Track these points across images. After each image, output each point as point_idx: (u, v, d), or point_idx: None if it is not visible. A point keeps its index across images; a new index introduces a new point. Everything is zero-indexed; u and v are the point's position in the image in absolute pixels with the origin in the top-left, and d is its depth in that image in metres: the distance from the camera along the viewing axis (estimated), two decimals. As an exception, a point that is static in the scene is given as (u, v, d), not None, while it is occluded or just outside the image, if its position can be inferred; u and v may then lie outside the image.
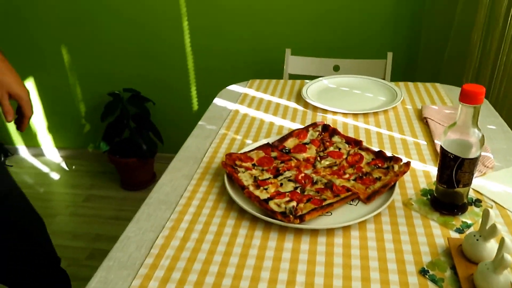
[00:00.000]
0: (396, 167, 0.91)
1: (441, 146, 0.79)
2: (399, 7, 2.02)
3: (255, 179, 0.92)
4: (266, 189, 0.89)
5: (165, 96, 2.45)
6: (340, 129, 1.13)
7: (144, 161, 2.41)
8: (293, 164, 0.98)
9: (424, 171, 0.96)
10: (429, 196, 0.86)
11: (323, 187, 0.89)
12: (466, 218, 0.80)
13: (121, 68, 2.42)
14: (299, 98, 1.35)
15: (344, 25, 2.09)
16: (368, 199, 0.85)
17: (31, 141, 2.78)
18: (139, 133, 2.36)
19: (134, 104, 2.34)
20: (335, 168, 0.96)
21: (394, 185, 0.88)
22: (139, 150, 2.34)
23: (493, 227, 0.65)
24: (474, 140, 0.75)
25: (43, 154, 2.81)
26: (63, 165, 2.74)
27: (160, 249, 0.77)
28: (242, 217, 0.84)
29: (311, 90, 1.37)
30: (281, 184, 0.91)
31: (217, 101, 1.37)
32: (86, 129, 2.66)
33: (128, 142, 2.36)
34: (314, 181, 0.92)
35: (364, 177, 0.92)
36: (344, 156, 1.00)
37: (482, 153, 0.96)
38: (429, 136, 1.10)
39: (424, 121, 1.16)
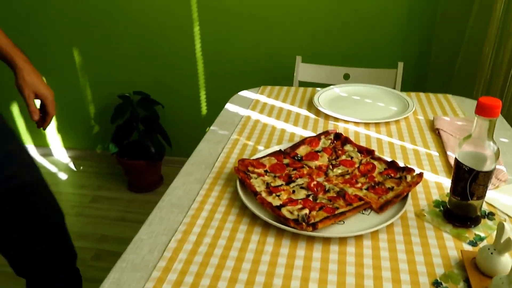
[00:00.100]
0: (408, 178, 0.91)
1: (455, 158, 0.79)
2: (411, 17, 2.02)
3: (268, 185, 0.92)
4: (278, 195, 0.89)
5: (174, 100, 2.46)
6: (351, 138, 1.13)
7: (152, 164, 2.42)
8: (305, 172, 0.98)
9: (436, 182, 0.96)
10: (441, 208, 0.86)
11: (335, 195, 0.90)
12: (479, 231, 0.80)
13: (131, 71, 2.43)
14: (311, 106, 1.35)
15: (355, 33, 2.10)
16: (380, 208, 0.85)
17: (40, 141, 2.80)
18: (147, 135, 2.37)
19: (144, 107, 2.35)
20: (347, 176, 0.96)
21: (406, 196, 0.88)
22: (148, 152, 2.35)
23: (508, 241, 0.65)
24: (489, 153, 0.75)
25: (52, 154, 2.83)
26: (71, 165, 2.75)
27: (173, 252, 0.78)
28: (254, 223, 0.85)
29: (323, 98, 1.38)
30: (294, 191, 0.91)
31: (229, 106, 1.38)
32: (95, 130, 2.68)
33: (137, 144, 2.38)
34: (327, 189, 0.92)
35: (376, 186, 0.92)
36: (356, 165, 1.00)
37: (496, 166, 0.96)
38: (441, 147, 1.10)
39: (436, 132, 1.16)
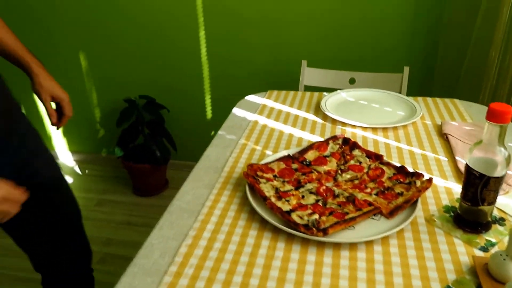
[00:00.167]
0: (418, 183, 0.91)
1: (466, 164, 0.79)
2: (416, 21, 2.03)
3: (277, 190, 0.93)
4: (288, 200, 0.89)
5: (180, 104, 2.47)
6: (359, 143, 1.13)
7: (157, 168, 2.43)
8: (314, 177, 0.98)
9: (445, 187, 0.96)
10: (451, 213, 0.86)
11: (345, 200, 0.90)
12: (490, 236, 0.80)
13: (137, 75, 2.44)
14: (318, 110, 1.36)
15: (361, 38, 2.10)
16: (390, 214, 0.85)
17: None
18: (153, 139, 2.38)
19: (149, 111, 2.36)
20: (356, 181, 0.96)
21: (416, 201, 0.88)
22: (153, 156, 2.35)
23: (521, 247, 0.65)
24: (500, 159, 0.75)
25: (57, 157, 2.84)
26: (76, 169, 2.76)
27: (184, 257, 0.78)
28: (264, 228, 0.85)
29: (330, 102, 1.38)
30: (303, 196, 0.91)
31: (236, 111, 1.38)
32: (100, 134, 2.69)
33: (142, 148, 2.38)
34: (336, 194, 0.92)
35: (386, 191, 0.92)
36: (365, 170, 1.00)
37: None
38: (450, 152, 1.10)
39: (444, 137, 1.16)
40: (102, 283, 1.44)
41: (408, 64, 1.77)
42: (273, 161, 1.03)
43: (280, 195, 0.91)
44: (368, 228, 0.83)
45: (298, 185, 0.95)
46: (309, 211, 0.86)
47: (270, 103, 1.43)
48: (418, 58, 2.09)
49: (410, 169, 0.97)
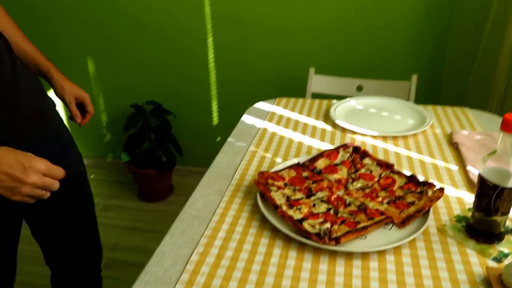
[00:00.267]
0: (429, 192, 0.91)
1: (479, 174, 0.79)
2: (424, 29, 2.03)
3: (288, 198, 0.92)
4: (299, 209, 0.89)
5: (186, 109, 2.48)
6: (369, 152, 1.13)
7: (163, 173, 2.43)
8: (325, 185, 0.98)
9: (457, 197, 0.96)
10: (463, 223, 0.86)
11: (356, 209, 0.90)
12: (503, 247, 0.80)
13: (144, 80, 2.45)
14: (327, 118, 1.36)
15: (369, 46, 2.11)
16: (402, 223, 0.84)
17: (52, 149, 2.82)
18: (159, 145, 2.38)
19: (156, 117, 2.37)
20: (367, 190, 0.96)
21: (428, 211, 0.87)
22: (159, 162, 2.36)
23: (537, 258, 0.65)
24: (514, 169, 0.75)
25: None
26: (82, 173, 2.77)
27: (195, 265, 0.78)
28: (275, 236, 0.85)
29: (339, 110, 1.38)
30: (314, 205, 0.91)
31: (245, 118, 1.38)
32: (106, 139, 2.70)
33: (148, 153, 2.39)
34: (347, 203, 0.92)
35: (397, 201, 0.91)
36: (376, 179, 1.00)
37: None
38: (460, 161, 1.09)
39: (454, 146, 1.16)
40: (108, 289, 1.44)
41: (416, 72, 1.77)
42: (283, 169, 1.03)
43: (291, 203, 0.91)
44: (380, 237, 0.83)
45: (309, 194, 0.95)
46: (321, 219, 0.86)
47: (279, 110, 1.44)
48: (425, 66, 2.09)
49: (421, 178, 0.97)
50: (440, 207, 0.92)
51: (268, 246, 0.82)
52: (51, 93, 1.15)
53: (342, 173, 1.02)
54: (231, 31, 2.22)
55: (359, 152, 1.09)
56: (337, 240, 0.79)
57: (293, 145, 1.20)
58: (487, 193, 0.77)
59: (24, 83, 0.96)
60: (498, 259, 0.77)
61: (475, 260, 0.77)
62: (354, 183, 0.99)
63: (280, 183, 0.98)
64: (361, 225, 0.84)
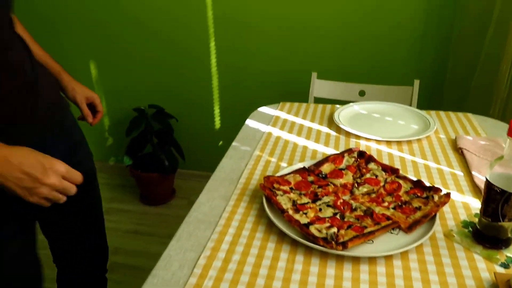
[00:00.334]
0: (436, 198, 0.91)
1: (487, 179, 0.79)
2: (426, 35, 2.04)
3: (294, 203, 0.93)
4: (305, 213, 0.89)
5: (188, 113, 2.48)
6: (374, 156, 1.13)
7: (165, 177, 2.43)
8: (330, 190, 0.98)
9: (463, 202, 0.96)
10: (470, 229, 0.86)
11: (362, 214, 0.90)
12: (510, 252, 0.80)
13: (147, 84, 2.46)
14: (331, 123, 1.36)
15: (371, 51, 2.11)
16: (409, 228, 0.84)
17: (53, 152, 2.82)
18: (161, 148, 2.38)
19: (158, 120, 2.37)
20: (373, 195, 0.96)
21: (434, 216, 0.87)
22: (161, 165, 2.36)
23: (545, 264, 0.65)
24: (522, 175, 0.75)
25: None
26: (84, 177, 2.76)
27: (203, 269, 0.78)
28: (282, 241, 0.85)
29: (343, 115, 1.38)
30: (320, 209, 0.91)
31: (249, 122, 1.39)
32: (108, 142, 2.70)
33: (150, 157, 2.39)
34: (353, 207, 0.92)
35: (403, 206, 0.92)
36: (382, 184, 1.00)
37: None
38: (465, 166, 1.09)
39: (459, 151, 1.16)
40: (109, 292, 1.44)
41: (418, 77, 1.77)
42: (289, 173, 1.03)
43: (297, 207, 0.91)
44: (386, 242, 0.83)
45: (315, 198, 0.95)
46: (327, 224, 0.86)
47: (283, 115, 1.44)
48: (428, 71, 2.10)
49: (427, 184, 0.97)
50: (446, 212, 0.92)
51: (275, 250, 0.82)
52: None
53: (347, 178, 1.02)
54: (233, 35, 2.23)
55: (364, 157, 1.09)
56: (344, 245, 0.79)
57: (298, 149, 1.20)
58: (494, 198, 0.78)
59: (43, 80, 0.99)
60: (506, 265, 0.77)
61: (483, 266, 0.78)
62: (360, 188, 0.99)
63: (286, 188, 0.98)
64: (368, 230, 0.84)
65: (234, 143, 1.25)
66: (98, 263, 1.32)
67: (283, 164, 1.13)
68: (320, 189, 0.98)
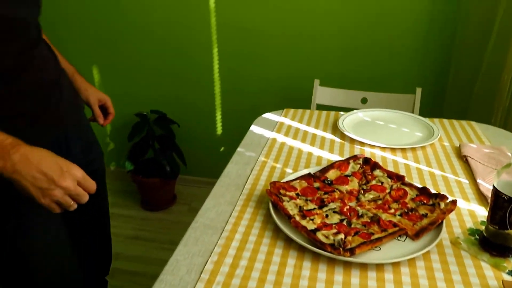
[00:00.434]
0: (442, 205, 0.91)
1: (494, 187, 0.79)
2: (428, 43, 2.05)
3: (300, 209, 0.93)
4: (312, 219, 0.89)
5: (190, 119, 2.48)
6: (379, 163, 1.14)
7: (167, 182, 2.43)
8: (336, 196, 0.98)
9: (469, 210, 0.96)
10: (477, 236, 0.86)
11: (369, 220, 0.90)
12: (517, 260, 0.80)
13: (149, 90, 2.47)
14: (335, 130, 1.36)
15: (374, 58, 2.13)
16: (416, 235, 0.85)
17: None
18: (163, 154, 2.38)
19: (160, 126, 2.37)
20: (379, 202, 0.96)
21: (441, 223, 0.88)
22: (162, 171, 2.36)
23: (554, 272, 0.65)
24: (529, 183, 0.76)
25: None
26: (84, 181, 2.76)
27: (210, 274, 0.78)
28: (289, 246, 0.85)
29: (347, 122, 1.39)
30: (327, 216, 0.91)
31: (254, 128, 1.39)
32: (110, 147, 2.70)
33: (152, 162, 2.39)
34: (360, 214, 0.92)
35: (410, 213, 0.92)
36: (387, 191, 1.00)
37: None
38: (470, 174, 1.10)
39: (463, 159, 1.16)
40: (110, 297, 1.43)
41: (419, 85, 1.78)
42: (294, 179, 1.03)
43: (304, 213, 0.91)
44: (394, 249, 0.83)
45: (322, 204, 0.95)
46: (334, 230, 0.86)
47: (287, 121, 1.44)
48: (430, 79, 2.11)
49: (433, 191, 0.98)
50: (453, 219, 0.93)
51: (282, 256, 0.82)
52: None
53: (353, 184, 1.03)
54: (236, 41, 2.24)
55: (369, 164, 1.09)
56: (351, 251, 0.79)
57: (303, 155, 1.21)
58: (502, 206, 0.78)
59: (64, 80, 1.03)
60: (512, 273, 0.77)
61: (490, 274, 0.78)
62: (366, 195, 0.99)
63: (292, 193, 0.98)
64: (375, 236, 0.84)
65: (239, 149, 1.25)
66: (103, 264, 1.32)
67: (289, 170, 1.13)
68: (326, 195, 0.98)
